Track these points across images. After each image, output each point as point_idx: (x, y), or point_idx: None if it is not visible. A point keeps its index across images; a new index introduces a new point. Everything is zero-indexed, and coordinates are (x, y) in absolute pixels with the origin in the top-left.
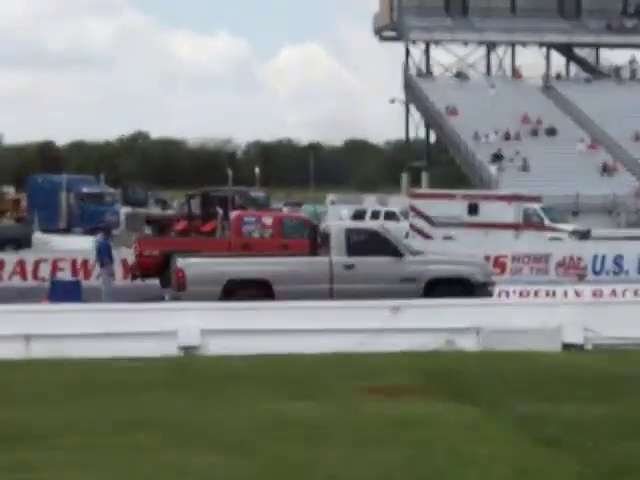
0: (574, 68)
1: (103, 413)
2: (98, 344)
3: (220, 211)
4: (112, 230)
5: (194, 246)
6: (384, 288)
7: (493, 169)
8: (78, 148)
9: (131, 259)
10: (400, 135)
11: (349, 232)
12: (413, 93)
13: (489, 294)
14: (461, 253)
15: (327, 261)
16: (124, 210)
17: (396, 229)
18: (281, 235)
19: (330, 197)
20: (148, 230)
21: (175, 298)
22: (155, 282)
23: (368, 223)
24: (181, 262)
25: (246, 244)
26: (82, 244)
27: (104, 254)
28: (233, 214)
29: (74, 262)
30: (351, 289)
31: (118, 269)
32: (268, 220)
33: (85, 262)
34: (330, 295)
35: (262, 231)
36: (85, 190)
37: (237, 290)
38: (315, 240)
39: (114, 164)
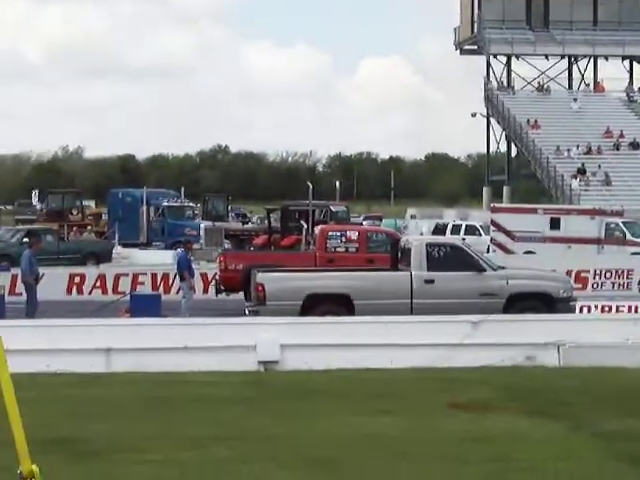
0: None
1: (183, 427)
2: (178, 358)
3: (305, 225)
4: (192, 244)
5: (279, 260)
6: (464, 303)
7: (575, 183)
8: (158, 162)
9: (211, 273)
10: (481, 149)
11: (430, 246)
12: (494, 106)
13: (570, 309)
14: (542, 268)
15: (407, 276)
16: (204, 224)
17: (477, 244)
18: (366, 249)
19: (410, 211)
20: (228, 244)
21: (254, 312)
22: (236, 297)
23: (448, 238)
24: (261, 277)
25: (331, 258)
26: (162, 258)
27: (184, 268)
28: (318, 228)
29: (154, 276)
30: (431, 304)
31: (198, 283)
32: (353, 234)
33: (165, 276)
34: (410, 310)
35: (347, 245)
36: (165, 204)
37: (317, 305)
38: (396, 254)
39: (194, 178)
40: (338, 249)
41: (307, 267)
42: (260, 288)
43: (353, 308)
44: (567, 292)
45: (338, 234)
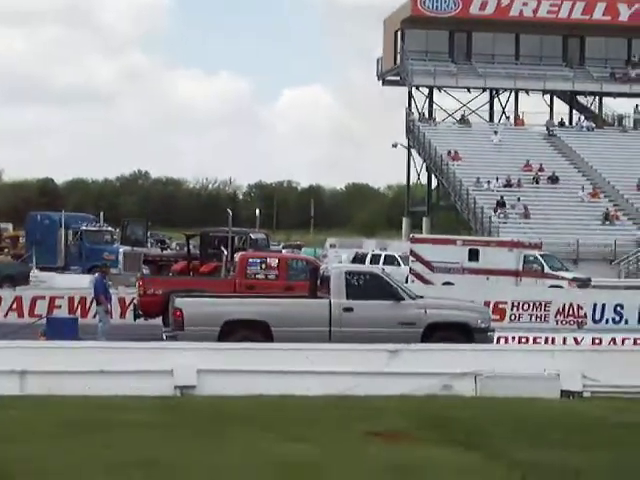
0: (577, 116)
1: (99, 452)
2: (94, 382)
3: (225, 252)
4: (110, 268)
5: (198, 286)
6: (383, 332)
7: (494, 215)
8: (78, 186)
9: (129, 298)
10: (402, 179)
11: (349, 275)
12: (415, 138)
13: (488, 340)
14: (461, 298)
15: (326, 303)
16: (122, 249)
17: (396, 274)
18: (286, 277)
19: (330, 240)
20: (146, 270)
21: (172, 338)
22: (155, 321)
23: (368, 266)
24: (179, 302)
25: (251, 285)
26: (80, 282)
27: (101, 292)
28: (238, 255)
29: (71, 300)
30: (350, 332)
31: (116, 308)
32: (273, 261)
33: (82, 300)
34: (329, 338)
35: (267, 272)
36: (84, 228)
37: (235, 331)
38: (315, 282)
39: (114, 203)
40: (258, 276)
41: (221, 293)
42: (178, 313)
43: (271, 335)
44: (485, 322)
45: (258, 261)
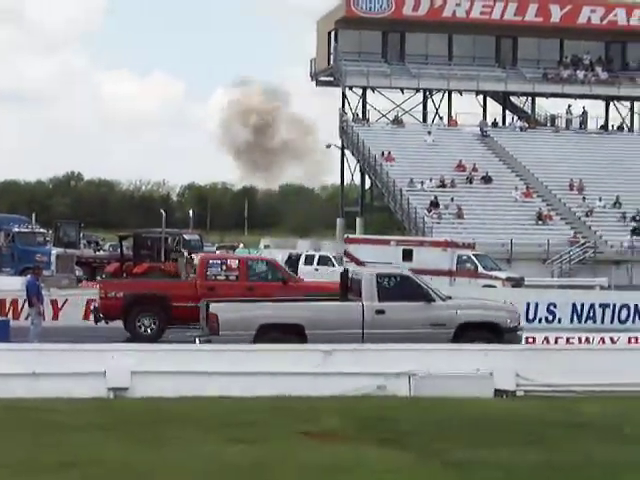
0: (510, 116)
1: (32, 454)
2: (26, 384)
3: (185, 253)
4: (42, 270)
5: (160, 288)
6: (415, 333)
7: (427, 216)
8: (9, 187)
9: (61, 300)
10: (336, 180)
11: (380, 278)
12: (349, 138)
13: (517, 339)
14: (491, 298)
15: (359, 306)
16: (55, 251)
17: (330, 274)
18: (247, 277)
19: (264, 241)
20: (79, 271)
21: (207, 342)
22: (84, 323)
23: (398, 269)
24: (214, 307)
25: (212, 286)
26: (11, 284)
27: (33, 294)
28: (198, 256)
29: (3, 302)
30: (382, 334)
31: (48, 309)
32: (234, 263)
33: (14, 302)
34: (362, 340)
35: (227, 273)
36: (16, 229)
37: (269, 335)
38: (346, 285)
39: (46, 204)
40: (218, 277)
41: (256, 297)
42: (213, 318)
43: (305, 338)
44: (514, 322)
45: (218, 262)
